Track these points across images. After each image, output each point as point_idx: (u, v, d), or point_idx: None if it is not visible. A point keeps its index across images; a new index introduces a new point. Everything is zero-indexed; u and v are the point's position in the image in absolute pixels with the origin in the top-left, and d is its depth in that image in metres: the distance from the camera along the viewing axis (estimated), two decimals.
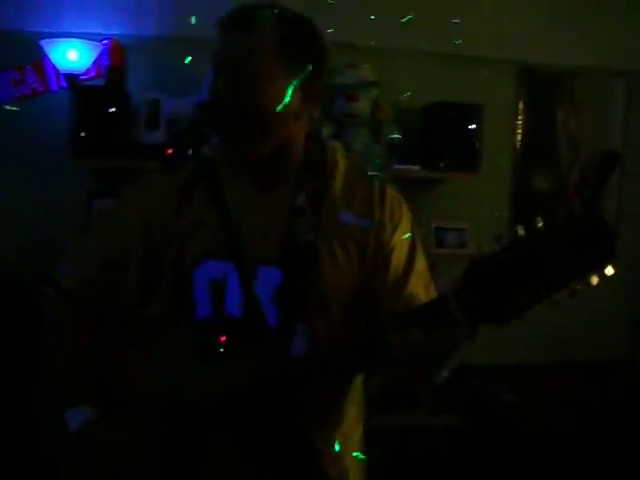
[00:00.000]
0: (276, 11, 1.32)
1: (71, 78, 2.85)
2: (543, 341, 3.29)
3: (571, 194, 3.56)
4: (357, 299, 1.40)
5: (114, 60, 2.92)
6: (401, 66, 3.19)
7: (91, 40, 2.86)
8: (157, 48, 2.99)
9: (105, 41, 2.92)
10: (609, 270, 1.04)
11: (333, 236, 1.37)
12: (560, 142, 3.60)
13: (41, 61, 2.93)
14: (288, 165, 1.40)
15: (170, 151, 1.23)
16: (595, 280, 1.04)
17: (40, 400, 1.40)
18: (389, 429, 2.83)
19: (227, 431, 1.26)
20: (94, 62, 2.91)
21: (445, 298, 1.13)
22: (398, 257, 1.40)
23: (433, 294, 1.40)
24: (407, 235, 1.42)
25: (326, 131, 2.96)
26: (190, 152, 1.25)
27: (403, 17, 3.04)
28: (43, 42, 2.81)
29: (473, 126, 3.18)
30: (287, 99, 1.31)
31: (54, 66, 2.88)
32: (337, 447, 1.43)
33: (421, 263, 1.44)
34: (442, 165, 3.15)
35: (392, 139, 3.10)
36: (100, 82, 2.96)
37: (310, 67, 1.33)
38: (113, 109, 2.79)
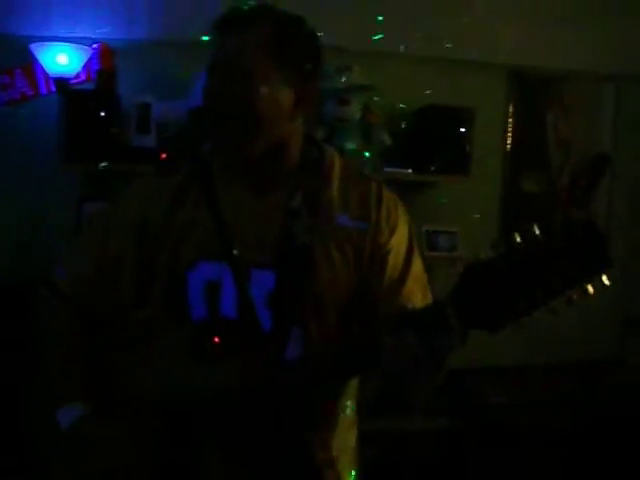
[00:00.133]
0: (270, 12, 1.32)
1: (61, 82, 2.84)
2: (533, 342, 3.29)
3: (564, 198, 3.57)
4: (353, 302, 1.40)
5: (104, 64, 2.91)
6: (392, 70, 3.20)
7: (81, 44, 2.85)
8: (147, 52, 2.97)
9: (95, 45, 2.91)
10: (605, 279, 1.05)
11: (329, 238, 1.37)
12: (550, 145, 3.62)
13: (31, 65, 2.92)
14: (283, 167, 1.40)
15: (164, 155, 1.23)
16: (591, 289, 1.05)
17: (32, 401, 1.40)
18: (382, 433, 2.83)
19: (220, 432, 1.26)
20: (84, 66, 2.90)
21: (441, 304, 1.13)
22: (395, 260, 1.40)
23: (429, 297, 1.40)
24: (404, 238, 1.42)
25: (317, 135, 2.96)
26: (184, 156, 1.25)
27: (394, 20, 3.05)
28: (33, 46, 2.80)
29: (463, 129, 3.19)
30: (280, 101, 1.31)
31: (44, 70, 2.87)
32: (331, 449, 1.42)
33: (418, 266, 1.43)
34: (433, 168, 3.15)
35: (383, 143, 3.11)
36: (90, 86, 2.95)
37: (304, 69, 1.33)
38: (103, 113, 2.78)
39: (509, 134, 3.54)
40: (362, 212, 1.39)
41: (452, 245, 3.36)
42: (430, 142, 3.18)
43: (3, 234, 2.95)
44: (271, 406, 1.23)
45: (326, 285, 1.36)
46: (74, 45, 2.81)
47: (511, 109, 3.54)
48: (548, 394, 3.24)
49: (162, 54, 2.94)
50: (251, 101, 1.29)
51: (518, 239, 1.06)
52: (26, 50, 2.81)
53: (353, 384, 1.49)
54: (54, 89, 2.90)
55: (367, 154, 3.02)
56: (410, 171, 3.12)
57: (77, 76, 2.91)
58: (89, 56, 2.88)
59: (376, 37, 3.05)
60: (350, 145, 2.98)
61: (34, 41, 2.81)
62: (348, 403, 1.48)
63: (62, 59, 2.79)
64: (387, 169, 3.04)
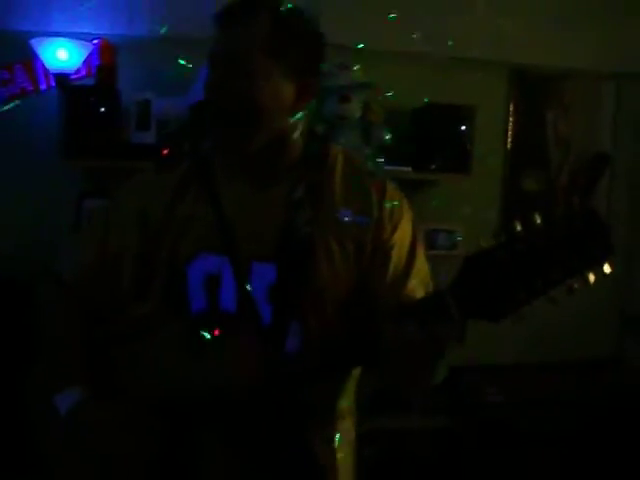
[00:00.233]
0: (270, 5, 1.31)
1: (61, 78, 2.84)
2: (531, 340, 3.30)
3: (563, 197, 3.57)
4: (353, 297, 1.39)
5: (104, 60, 2.91)
6: (393, 67, 3.19)
7: (81, 39, 2.84)
8: (148, 48, 2.97)
9: (95, 41, 2.90)
10: (606, 268, 1.05)
11: (330, 232, 1.36)
12: (550, 144, 3.62)
13: (31, 60, 2.91)
14: (284, 160, 1.39)
15: (166, 151, 1.23)
16: (592, 277, 1.05)
17: (31, 388, 1.40)
18: (380, 431, 2.84)
19: (220, 426, 1.26)
20: (84, 62, 2.90)
21: (441, 293, 1.13)
22: (398, 255, 1.39)
23: None
24: (407, 234, 1.41)
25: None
26: (185, 151, 1.24)
27: (395, 18, 3.04)
28: (33, 41, 2.79)
29: (464, 128, 3.19)
30: (281, 94, 1.31)
31: (44, 65, 2.87)
32: (330, 443, 1.43)
33: (421, 262, 1.43)
34: (433, 167, 3.15)
35: (383, 141, 3.10)
36: (90, 82, 2.95)
37: (305, 61, 1.33)
38: (103, 109, 2.77)
39: (509, 133, 3.54)
40: (364, 207, 1.39)
41: (452, 243, 3.36)
42: (430, 140, 3.18)
43: (3, 229, 2.94)
44: (271, 399, 1.23)
45: (325, 279, 1.36)
46: (74, 41, 2.81)
47: (511, 107, 3.54)
48: (546, 392, 3.25)
49: (163, 50, 2.93)
50: (252, 95, 1.29)
51: (519, 228, 1.06)
52: (26, 45, 2.80)
53: (352, 379, 1.49)
54: (54, 85, 2.90)
55: (367, 152, 3.02)
56: (410, 169, 3.12)
57: (77, 72, 2.91)
58: (89, 52, 2.88)
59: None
60: (350, 143, 2.97)
61: (34, 36, 2.80)
62: (347, 398, 1.48)
63: (62, 54, 2.78)
64: (387, 167, 3.04)
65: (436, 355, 1.21)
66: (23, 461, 1.39)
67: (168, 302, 1.40)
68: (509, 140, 3.55)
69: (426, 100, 3.18)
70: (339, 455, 1.45)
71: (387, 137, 3.09)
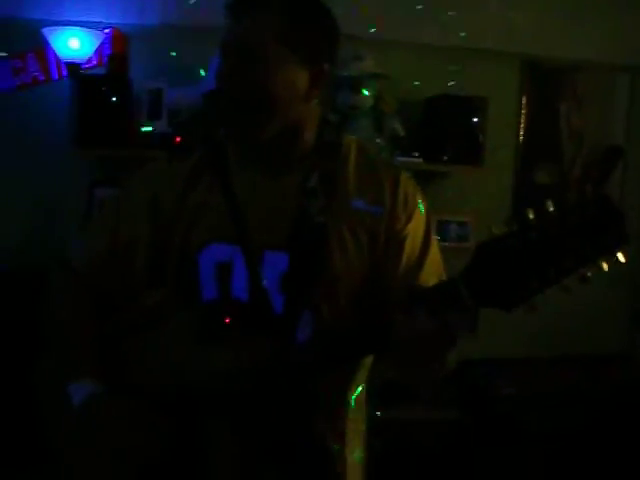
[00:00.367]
0: None
1: (73, 67, 2.84)
2: (542, 334, 3.30)
3: (578, 188, 3.55)
4: (366, 287, 1.38)
5: (116, 49, 2.91)
6: (405, 58, 3.18)
7: (93, 29, 2.84)
8: (159, 37, 2.97)
9: (107, 30, 2.90)
10: (621, 257, 1.03)
11: (343, 221, 1.35)
12: (563, 136, 3.59)
13: (43, 49, 2.92)
14: (297, 149, 1.38)
15: (178, 139, 1.22)
16: (605, 266, 1.03)
17: (41, 378, 1.40)
18: (389, 422, 2.83)
19: (230, 415, 1.25)
20: (96, 51, 2.90)
21: (453, 281, 1.12)
22: (411, 246, 1.38)
23: None
24: (421, 224, 1.40)
25: None
26: (198, 140, 1.24)
27: (408, 9, 3.03)
28: (45, 30, 2.80)
29: (476, 119, 3.17)
30: (295, 82, 1.29)
31: (56, 54, 2.87)
32: (342, 433, 1.42)
33: (435, 252, 1.42)
34: (445, 158, 3.14)
35: (395, 131, 3.10)
36: (102, 71, 2.95)
37: (318, 49, 1.31)
38: (115, 98, 2.78)
39: (522, 125, 3.52)
40: (378, 197, 1.37)
41: (464, 235, 3.35)
42: (443, 132, 3.17)
43: (14, 219, 2.95)
44: (281, 389, 1.23)
45: (338, 268, 1.35)
46: (86, 29, 2.81)
47: (524, 99, 3.52)
48: (556, 386, 3.24)
49: (174, 39, 2.92)
50: (265, 84, 1.27)
51: (531, 216, 1.05)
52: (38, 34, 2.81)
53: (364, 370, 1.49)
54: (66, 74, 2.90)
55: (379, 143, 3.01)
56: (422, 161, 3.11)
57: (89, 61, 2.91)
58: (101, 41, 2.88)
59: None
60: (362, 133, 2.96)
61: (46, 25, 2.81)
62: (358, 388, 1.48)
63: (74, 43, 2.79)
64: (399, 158, 3.03)
65: (447, 345, 1.20)
66: (32, 450, 1.39)
67: (179, 291, 1.40)
68: (521, 132, 3.52)
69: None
70: (348, 445, 1.45)
71: (399, 128, 3.08)
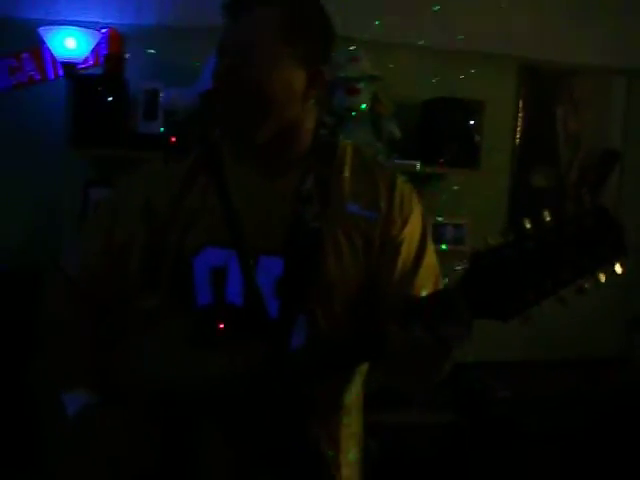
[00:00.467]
0: None
1: (69, 66, 2.83)
2: (539, 338, 3.28)
3: (572, 193, 3.55)
4: (361, 293, 1.37)
5: (112, 49, 2.90)
6: (402, 61, 3.18)
7: (89, 28, 2.83)
8: (156, 37, 2.96)
9: (104, 30, 2.90)
10: (618, 268, 1.02)
11: (338, 226, 1.34)
12: (559, 140, 3.60)
13: (39, 49, 2.91)
14: (294, 150, 1.37)
15: (174, 139, 1.21)
16: (603, 278, 1.03)
17: (37, 384, 1.39)
18: (384, 425, 2.82)
19: (224, 421, 1.24)
20: (92, 51, 2.89)
21: (449, 292, 1.11)
22: (407, 251, 1.37)
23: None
24: (417, 228, 1.39)
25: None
26: (194, 140, 1.22)
27: (405, 11, 3.03)
28: (41, 29, 2.79)
29: (473, 122, 3.17)
30: (292, 82, 1.28)
31: (52, 54, 2.86)
32: (337, 438, 1.41)
33: (431, 257, 1.40)
34: (442, 161, 3.13)
35: (392, 134, 3.09)
36: (98, 71, 2.94)
37: (316, 48, 1.31)
38: (110, 98, 2.77)
39: (518, 128, 3.52)
40: (373, 202, 1.36)
41: (459, 238, 3.34)
42: (439, 134, 3.16)
43: (9, 218, 2.94)
44: (274, 395, 1.22)
45: (333, 273, 1.33)
46: (82, 29, 2.80)
47: (521, 103, 3.52)
48: (553, 390, 3.23)
49: (171, 40, 2.92)
50: (263, 83, 1.26)
51: (528, 225, 1.04)
52: (34, 34, 2.80)
53: (359, 375, 1.47)
54: (62, 73, 2.89)
55: (376, 145, 3.00)
56: (419, 163, 3.10)
57: (85, 61, 2.90)
58: (97, 41, 2.87)
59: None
60: (359, 136, 2.96)
61: (43, 25, 2.80)
62: (353, 393, 1.47)
63: (70, 43, 2.78)
64: (396, 161, 3.02)
65: (442, 356, 1.19)
66: (31, 450, 1.38)
67: (174, 294, 1.39)
68: (518, 135, 3.53)
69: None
70: (343, 451, 1.44)
71: (396, 130, 3.08)
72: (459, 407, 3.15)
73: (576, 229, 1.02)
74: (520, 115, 3.52)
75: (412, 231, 1.38)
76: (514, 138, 3.52)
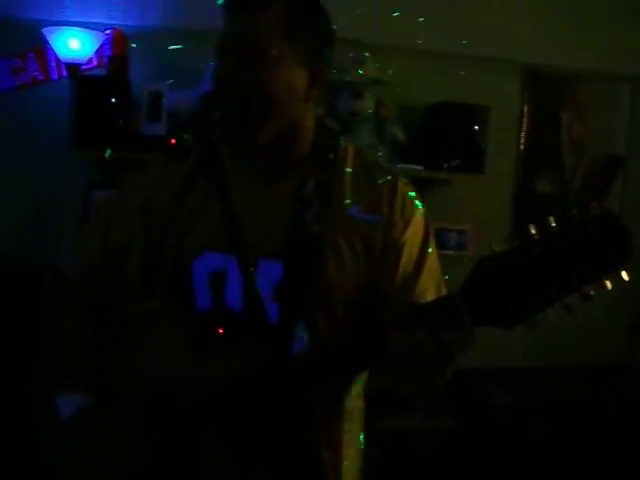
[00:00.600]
0: None
1: (72, 67, 2.83)
2: (540, 345, 3.27)
3: (579, 198, 3.54)
4: (362, 297, 1.36)
5: (116, 50, 2.89)
6: (406, 65, 3.17)
7: (94, 29, 2.83)
8: (160, 39, 2.95)
9: (108, 31, 2.89)
10: (624, 275, 1.01)
11: (339, 229, 1.33)
12: (564, 145, 3.59)
13: (43, 49, 2.91)
14: (295, 152, 1.36)
15: (174, 141, 1.19)
16: (609, 284, 1.01)
17: (33, 386, 1.38)
18: (386, 430, 2.82)
19: (223, 425, 1.23)
20: (96, 52, 2.89)
21: (452, 298, 1.10)
22: (409, 254, 1.35)
23: (444, 293, 1.35)
24: (419, 231, 1.37)
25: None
26: (195, 142, 1.21)
27: (410, 15, 3.02)
28: (45, 30, 2.78)
29: (477, 127, 3.16)
30: (294, 82, 1.27)
31: (56, 55, 2.86)
32: (338, 443, 1.40)
33: (433, 261, 1.38)
34: (445, 166, 3.12)
35: (396, 138, 3.08)
36: (102, 72, 2.93)
37: (318, 47, 1.29)
38: (114, 100, 2.76)
39: (523, 133, 3.51)
40: (374, 205, 1.35)
41: (461, 243, 3.33)
42: (443, 139, 3.15)
43: (10, 219, 2.94)
44: (275, 398, 1.21)
45: (333, 277, 1.32)
46: (86, 30, 2.80)
47: (525, 108, 3.51)
48: (554, 396, 3.23)
49: (175, 42, 2.91)
50: (264, 83, 1.24)
51: (533, 231, 1.03)
52: (38, 34, 2.80)
53: (361, 379, 1.47)
54: (65, 74, 2.89)
55: (380, 150, 2.99)
56: (422, 168, 3.09)
57: (89, 62, 2.90)
58: (101, 42, 2.87)
59: None
60: (362, 140, 2.95)
61: (47, 25, 2.79)
62: (355, 398, 1.46)
63: (74, 44, 2.77)
64: (400, 166, 3.01)
65: (444, 361, 1.18)
66: (25, 454, 1.38)
67: (173, 297, 1.38)
68: (522, 141, 3.52)
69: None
70: (345, 455, 1.43)
71: (400, 134, 3.07)
72: (460, 412, 3.14)
73: (582, 235, 1.01)
74: (524, 120, 3.52)
75: (414, 234, 1.36)
76: (518, 144, 3.51)
